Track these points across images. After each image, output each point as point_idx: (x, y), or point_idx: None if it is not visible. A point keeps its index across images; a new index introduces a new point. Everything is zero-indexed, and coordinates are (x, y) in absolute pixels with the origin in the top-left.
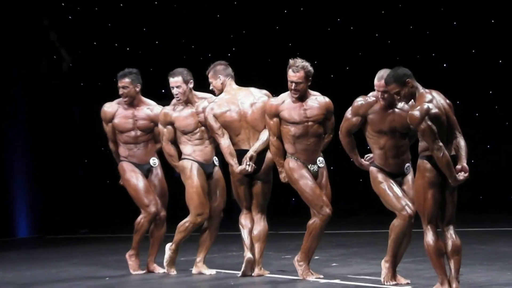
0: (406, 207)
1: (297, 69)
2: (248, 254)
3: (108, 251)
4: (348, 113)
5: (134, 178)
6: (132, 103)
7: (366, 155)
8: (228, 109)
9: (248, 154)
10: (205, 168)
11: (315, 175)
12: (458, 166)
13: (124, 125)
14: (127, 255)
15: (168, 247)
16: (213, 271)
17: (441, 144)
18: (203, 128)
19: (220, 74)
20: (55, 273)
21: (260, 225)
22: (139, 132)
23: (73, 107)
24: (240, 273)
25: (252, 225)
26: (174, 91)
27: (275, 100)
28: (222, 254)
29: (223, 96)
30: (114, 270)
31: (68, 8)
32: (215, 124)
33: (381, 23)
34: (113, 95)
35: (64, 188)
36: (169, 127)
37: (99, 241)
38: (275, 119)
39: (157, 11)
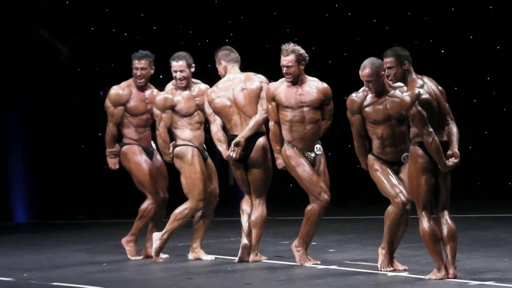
0: (400, 194)
1: (287, 53)
2: (244, 240)
3: (106, 237)
4: (348, 115)
5: (144, 163)
6: (144, 86)
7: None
8: (219, 95)
9: (235, 140)
10: (203, 154)
11: (312, 163)
12: (449, 152)
13: (139, 108)
14: (123, 241)
15: (159, 237)
16: (212, 257)
17: (431, 129)
18: (200, 111)
19: (221, 60)
20: (52, 258)
21: (258, 210)
22: (149, 115)
23: (71, 93)
24: (236, 259)
25: (251, 211)
26: (178, 75)
27: (272, 84)
28: (219, 240)
29: (221, 82)
30: (112, 256)
31: None
32: (208, 110)
33: (379, 8)
34: (111, 80)
35: (62, 173)
36: (169, 111)
37: (97, 227)
38: (273, 103)
39: None
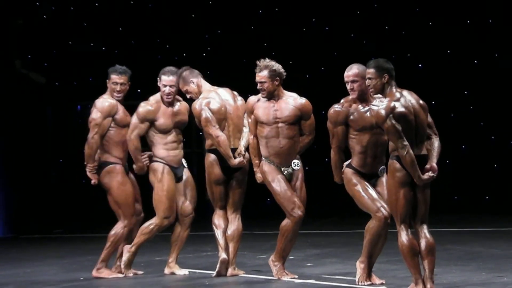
0: (382, 209)
1: (260, 69)
2: (222, 255)
3: (83, 251)
4: (329, 126)
5: (129, 185)
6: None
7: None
8: (220, 106)
9: (242, 149)
10: (176, 172)
11: (289, 178)
12: (427, 166)
13: (126, 120)
14: (95, 272)
15: (127, 249)
16: (185, 271)
17: (406, 143)
18: (177, 129)
19: (190, 78)
20: (30, 273)
21: (234, 224)
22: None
23: (47, 106)
24: (214, 273)
25: (226, 225)
26: (167, 89)
27: (252, 98)
28: (197, 254)
29: (210, 94)
30: (89, 270)
31: (43, 8)
32: (213, 117)
33: (356, 23)
34: (89, 94)
35: (38, 187)
36: (147, 123)
37: (74, 241)
38: (252, 117)
39: (133, 10)
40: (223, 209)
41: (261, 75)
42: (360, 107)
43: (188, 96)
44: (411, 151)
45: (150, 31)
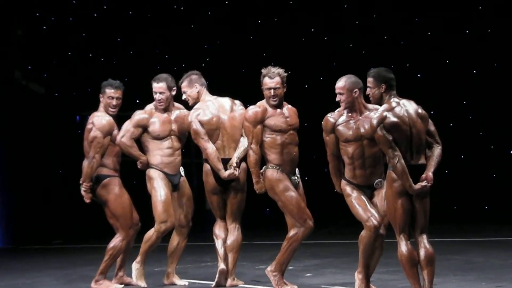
0: (371, 218)
1: (274, 75)
2: (221, 265)
3: (82, 262)
4: (323, 134)
5: (127, 197)
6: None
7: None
8: (212, 116)
9: (234, 160)
10: (171, 179)
11: (296, 186)
12: (423, 175)
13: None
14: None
15: (136, 261)
16: (185, 282)
17: (397, 152)
18: (173, 137)
19: (196, 83)
20: (29, 284)
21: (234, 235)
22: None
23: (46, 117)
24: (214, 283)
25: (226, 235)
26: (157, 96)
27: (258, 108)
28: (196, 264)
29: (204, 104)
30: (89, 281)
31: (42, 19)
32: (201, 129)
33: (355, 33)
34: (88, 105)
35: (38, 198)
36: (140, 129)
37: (73, 252)
38: (259, 127)
39: (131, 21)
40: (223, 218)
41: (276, 81)
42: (346, 118)
43: (183, 97)
44: (402, 160)
45: (149, 41)
